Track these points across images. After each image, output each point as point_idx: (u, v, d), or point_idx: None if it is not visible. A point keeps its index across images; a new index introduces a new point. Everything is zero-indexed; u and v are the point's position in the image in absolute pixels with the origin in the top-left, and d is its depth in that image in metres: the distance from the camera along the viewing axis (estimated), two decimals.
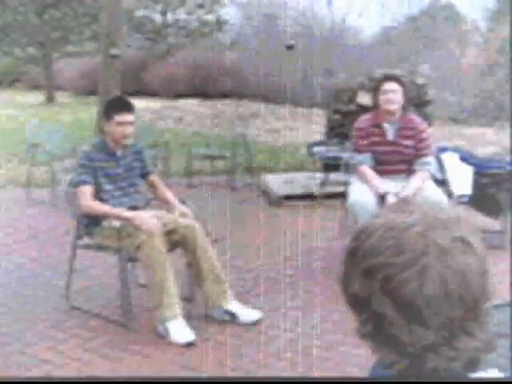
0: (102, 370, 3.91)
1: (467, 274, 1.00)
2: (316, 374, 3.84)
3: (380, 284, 1.02)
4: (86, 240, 4.84)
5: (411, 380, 1.04)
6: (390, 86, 5.36)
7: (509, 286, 4.88)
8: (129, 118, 4.68)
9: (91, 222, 4.71)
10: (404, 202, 1.12)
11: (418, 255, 1.00)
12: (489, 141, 12.62)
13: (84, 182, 4.62)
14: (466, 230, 1.05)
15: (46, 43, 25.46)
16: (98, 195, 4.66)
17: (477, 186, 6.27)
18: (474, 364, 1.04)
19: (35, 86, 27.96)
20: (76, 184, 4.68)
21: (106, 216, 4.61)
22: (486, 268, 1.04)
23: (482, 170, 6.40)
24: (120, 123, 4.65)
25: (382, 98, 5.39)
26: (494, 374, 1.07)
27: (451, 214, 1.07)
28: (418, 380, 1.04)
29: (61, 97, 25.26)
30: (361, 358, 3.95)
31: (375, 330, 1.05)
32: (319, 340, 4.30)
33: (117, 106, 4.78)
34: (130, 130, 4.69)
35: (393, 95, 5.35)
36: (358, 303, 1.07)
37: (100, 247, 4.78)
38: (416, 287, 1.00)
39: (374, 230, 1.06)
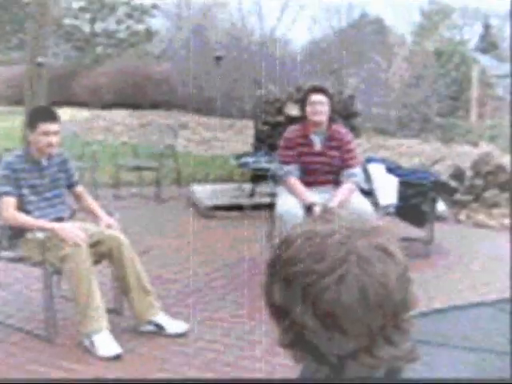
0: None
1: (387, 283, 1.01)
2: None
3: (300, 292, 1.02)
4: (8, 252, 4.73)
5: None
6: (317, 97, 5.42)
7: (433, 293, 4.98)
8: (54, 127, 4.60)
9: (14, 233, 4.60)
10: (325, 212, 1.12)
11: (338, 263, 1.01)
12: (414, 152, 12.86)
13: (6, 193, 4.52)
14: (386, 238, 1.05)
15: None
16: (22, 206, 4.55)
17: (402, 196, 6.38)
18: (394, 373, 1.05)
19: None
20: None
21: (29, 228, 4.51)
22: (407, 277, 1.05)
23: (407, 180, 6.51)
24: (45, 132, 4.56)
25: (309, 109, 5.44)
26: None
27: (372, 223, 1.08)
28: None
29: None
30: (289, 369, 3.96)
31: (295, 338, 1.04)
32: (247, 351, 4.29)
33: (41, 114, 4.70)
34: (55, 139, 4.60)
35: (320, 107, 5.40)
36: (279, 313, 1.07)
37: (23, 259, 4.67)
38: (335, 294, 1.00)
39: (295, 239, 1.06)
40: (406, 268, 1.05)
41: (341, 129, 5.62)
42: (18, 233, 4.59)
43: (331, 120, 5.53)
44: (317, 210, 5.12)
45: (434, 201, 6.56)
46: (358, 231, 1.04)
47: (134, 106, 19.90)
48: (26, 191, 4.58)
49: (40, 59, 12.76)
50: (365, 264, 1.01)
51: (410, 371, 1.09)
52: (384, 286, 1.00)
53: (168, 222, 7.90)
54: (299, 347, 1.05)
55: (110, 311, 4.47)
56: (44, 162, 4.69)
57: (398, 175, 6.54)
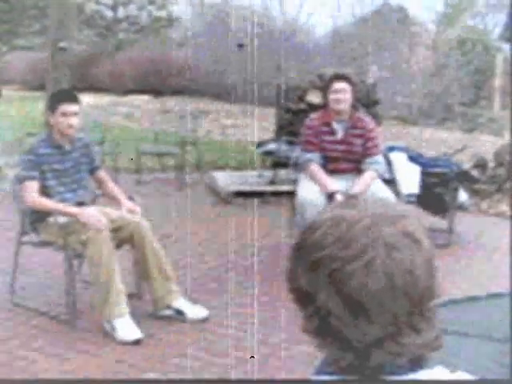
0: (48, 369, 3.85)
1: (414, 270, 1.00)
2: (261, 373, 3.83)
3: (326, 278, 1.01)
4: (31, 236, 4.76)
5: (355, 376, 1.04)
6: (340, 85, 5.39)
7: (454, 284, 4.95)
8: (73, 108, 4.60)
9: (36, 217, 4.63)
10: (351, 198, 1.11)
11: (365, 249, 1.00)
12: (436, 141, 12.79)
13: (30, 178, 4.54)
14: (413, 226, 1.04)
15: None
16: (45, 191, 4.58)
17: (424, 185, 6.34)
18: (419, 361, 1.04)
19: None
20: (21, 179, 4.60)
21: (51, 212, 4.54)
22: (433, 264, 1.04)
23: (429, 169, 6.48)
24: (64, 114, 4.56)
25: (331, 97, 5.41)
26: (439, 371, 1.07)
27: (399, 210, 1.07)
28: (362, 376, 1.04)
29: (8, 91, 24.84)
30: (309, 356, 3.96)
31: (320, 325, 1.04)
32: (267, 338, 4.29)
33: (61, 97, 4.72)
34: (74, 120, 4.60)
35: (342, 95, 5.37)
36: (303, 298, 1.06)
37: (45, 244, 4.70)
38: (361, 281, 0.99)
39: (321, 225, 1.05)
40: (432, 255, 1.04)
41: (364, 117, 5.59)
42: (40, 217, 4.61)
43: (354, 108, 5.50)
44: (338, 197, 5.10)
45: (455, 190, 6.52)
46: (384, 217, 1.04)
47: (156, 92, 19.92)
48: (48, 175, 4.60)
49: (62, 44, 12.79)
50: (392, 250, 1.00)
51: (433, 360, 1.08)
52: (411, 272, 1.00)
53: (188, 208, 7.91)
54: (323, 334, 1.05)
55: (130, 296, 4.49)
56: (67, 147, 4.70)
57: (420, 164, 6.50)
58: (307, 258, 1.04)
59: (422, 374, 1.05)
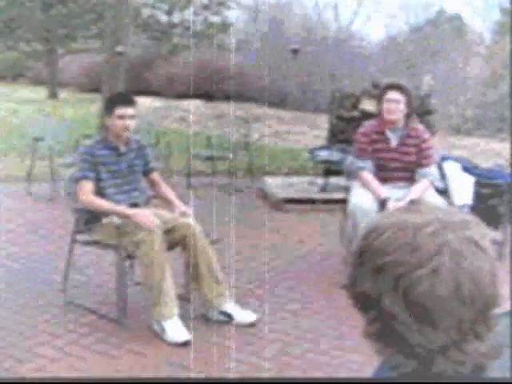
0: (96, 367, 3.90)
1: (479, 276, 1.00)
2: (310, 379, 3.82)
3: (391, 282, 1.01)
4: (84, 236, 4.83)
5: (417, 382, 1.03)
6: (394, 95, 5.34)
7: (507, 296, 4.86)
8: (129, 111, 4.67)
9: (91, 217, 4.70)
10: (414, 204, 1.11)
11: (431, 255, 0.99)
12: (490, 152, 12.62)
13: (85, 178, 4.61)
14: (478, 233, 1.04)
15: (52, 39, 25.46)
16: (99, 191, 4.64)
17: (478, 196, 6.26)
18: (480, 369, 1.03)
19: (39, 82, 27.96)
20: (77, 179, 4.67)
21: (106, 212, 4.60)
22: (497, 273, 1.04)
23: (483, 180, 6.39)
24: (121, 116, 4.64)
25: (384, 106, 5.37)
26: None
27: (463, 217, 1.07)
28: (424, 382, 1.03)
29: (64, 93, 25.25)
30: (356, 364, 3.95)
31: (383, 329, 1.03)
32: (315, 344, 4.29)
33: (118, 99, 4.78)
34: (131, 123, 4.67)
35: (395, 105, 5.33)
36: (366, 302, 1.06)
37: (99, 243, 4.77)
38: (428, 287, 0.99)
39: (385, 229, 1.05)
40: (495, 263, 1.04)
41: (418, 127, 5.53)
42: (94, 217, 4.68)
43: (408, 117, 5.45)
44: (390, 205, 5.07)
45: (510, 202, 6.42)
46: (450, 224, 1.03)
47: (208, 96, 20.03)
48: (103, 176, 4.66)
49: (119, 48, 12.97)
50: (458, 257, 0.99)
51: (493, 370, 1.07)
52: (477, 280, 0.99)
53: (239, 213, 7.93)
54: (385, 338, 1.04)
55: (180, 298, 4.52)
56: (122, 149, 4.76)
57: (474, 175, 6.42)
58: (372, 262, 1.04)
59: None
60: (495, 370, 1.06)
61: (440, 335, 1.00)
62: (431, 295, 0.99)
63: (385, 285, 1.02)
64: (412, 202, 1.12)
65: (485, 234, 1.05)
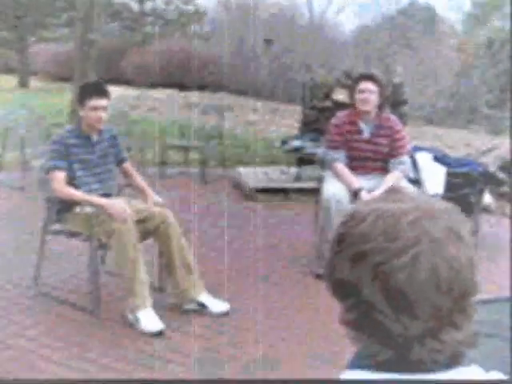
0: (70, 357, 3.88)
1: (458, 265, 1.00)
2: (284, 367, 3.84)
3: (370, 270, 1.01)
4: (56, 225, 4.79)
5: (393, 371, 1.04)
6: (367, 85, 5.35)
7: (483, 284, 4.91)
8: (102, 102, 4.64)
9: (62, 207, 4.66)
10: (393, 192, 1.11)
11: (411, 243, 1.00)
12: (462, 143, 12.72)
13: (57, 167, 4.58)
14: (457, 222, 1.05)
15: (21, 27, 25.19)
16: (72, 181, 4.61)
17: (449, 186, 6.31)
18: (457, 358, 1.04)
19: (8, 70, 27.65)
20: (48, 169, 4.63)
21: (78, 202, 4.57)
22: (475, 261, 1.05)
23: (454, 170, 6.45)
24: (94, 107, 4.61)
25: (357, 97, 5.38)
26: (475, 369, 1.07)
27: (442, 205, 1.07)
28: (400, 372, 1.03)
29: (35, 81, 25.01)
30: (329, 353, 3.97)
31: (361, 317, 1.04)
32: (288, 333, 4.30)
33: (91, 90, 4.74)
34: (104, 114, 4.65)
35: (369, 95, 5.34)
36: (343, 289, 1.06)
37: (71, 233, 4.74)
38: (407, 275, 0.99)
39: (365, 216, 1.05)
40: (474, 252, 1.05)
41: (391, 117, 5.56)
42: (66, 207, 4.65)
43: (381, 108, 5.47)
44: (363, 195, 5.10)
45: (481, 192, 6.49)
46: (430, 212, 1.04)
47: (181, 86, 19.95)
48: (76, 166, 4.63)
49: (90, 36, 12.86)
50: (437, 246, 1.00)
51: (469, 359, 1.08)
52: (455, 268, 1.00)
53: (212, 203, 7.94)
54: (362, 327, 1.05)
55: (153, 289, 4.52)
56: (95, 138, 4.74)
57: (445, 165, 6.47)
58: (351, 249, 1.04)
59: (458, 372, 1.04)
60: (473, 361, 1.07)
61: (417, 323, 1.01)
62: (410, 283, 0.99)
63: (364, 272, 1.02)
64: (391, 190, 1.12)
65: (464, 223, 1.06)
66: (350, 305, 1.05)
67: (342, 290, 1.06)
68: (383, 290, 1.00)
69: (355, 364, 1.10)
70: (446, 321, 1.01)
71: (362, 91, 5.35)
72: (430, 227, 1.01)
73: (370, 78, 5.44)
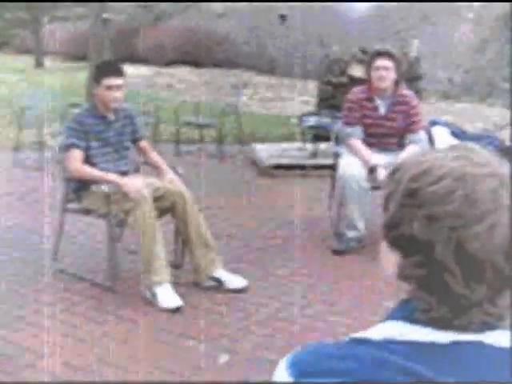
0: (89, 334, 3.93)
1: None
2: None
3: (447, 233, 1.01)
4: (74, 204, 4.83)
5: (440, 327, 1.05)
6: (383, 62, 5.32)
7: None
8: (118, 81, 4.65)
9: (80, 185, 4.69)
10: (472, 152, 1.09)
11: (489, 211, 1.00)
12: (478, 117, 12.64)
13: (74, 146, 4.60)
14: None
15: (35, 6, 25.17)
16: (88, 159, 4.64)
17: None
18: (497, 319, 1.05)
19: (24, 50, 27.69)
20: (66, 147, 4.66)
21: (95, 180, 4.60)
22: None
23: None
24: (109, 87, 4.62)
25: (373, 74, 5.35)
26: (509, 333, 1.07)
27: (509, 171, 1.07)
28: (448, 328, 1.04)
29: (50, 61, 25.04)
30: (347, 328, 3.99)
31: (429, 275, 1.04)
32: (305, 309, 4.33)
33: (106, 69, 4.76)
34: (119, 93, 4.66)
35: (385, 72, 5.31)
36: (412, 245, 1.05)
37: (88, 211, 4.77)
38: (483, 243, 1.00)
39: (442, 176, 1.04)
40: None
41: (407, 92, 5.52)
42: (83, 185, 4.67)
43: (397, 83, 5.44)
44: (379, 171, 5.09)
45: None
46: (504, 179, 1.04)
47: (197, 63, 19.93)
48: (92, 144, 4.66)
49: (105, 15, 12.85)
50: (510, 215, 1.01)
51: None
52: None
53: (229, 180, 7.95)
54: (430, 284, 1.04)
55: (171, 265, 4.55)
56: (111, 117, 4.75)
57: (462, 139, 6.44)
58: (426, 208, 1.03)
59: (498, 334, 1.06)
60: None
61: (483, 288, 1.02)
62: (484, 251, 1.00)
63: (439, 233, 1.02)
64: (469, 149, 1.10)
65: None
66: (419, 261, 1.05)
67: (410, 245, 1.06)
68: (456, 254, 1.01)
69: (397, 315, 1.10)
70: (505, 286, 1.03)
71: (378, 68, 5.32)
72: (504, 195, 1.02)
73: (386, 54, 5.40)
